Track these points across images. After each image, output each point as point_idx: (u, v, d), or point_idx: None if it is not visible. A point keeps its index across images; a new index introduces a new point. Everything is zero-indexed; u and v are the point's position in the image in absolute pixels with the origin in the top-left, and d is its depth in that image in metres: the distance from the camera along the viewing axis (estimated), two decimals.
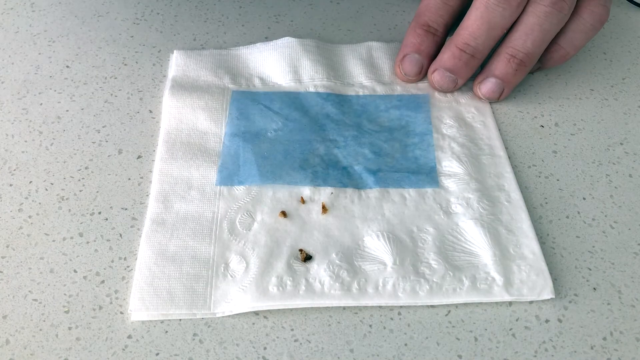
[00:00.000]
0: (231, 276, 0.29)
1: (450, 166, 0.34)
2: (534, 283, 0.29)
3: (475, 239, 0.31)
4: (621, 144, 0.36)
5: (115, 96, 0.39)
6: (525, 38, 0.36)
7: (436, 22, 0.38)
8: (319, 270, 0.29)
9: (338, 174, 0.34)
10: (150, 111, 0.38)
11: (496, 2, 0.35)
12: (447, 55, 0.37)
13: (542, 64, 0.39)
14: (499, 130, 0.37)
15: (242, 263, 0.30)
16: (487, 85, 0.37)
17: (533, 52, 0.36)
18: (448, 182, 0.33)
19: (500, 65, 0.37)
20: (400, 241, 0.31)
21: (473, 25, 0.36)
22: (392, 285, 0.29)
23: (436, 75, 0.38)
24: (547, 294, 0.29)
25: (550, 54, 0.38)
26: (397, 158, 0.35)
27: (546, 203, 0.33)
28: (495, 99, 0.38)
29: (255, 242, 0.31)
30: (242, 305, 0.28)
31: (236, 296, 0.29)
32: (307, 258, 0.30)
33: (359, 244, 0.31)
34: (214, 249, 0.30)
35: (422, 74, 0.39)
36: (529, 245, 0.30)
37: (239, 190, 0.33)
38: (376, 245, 0.30)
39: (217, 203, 0.32)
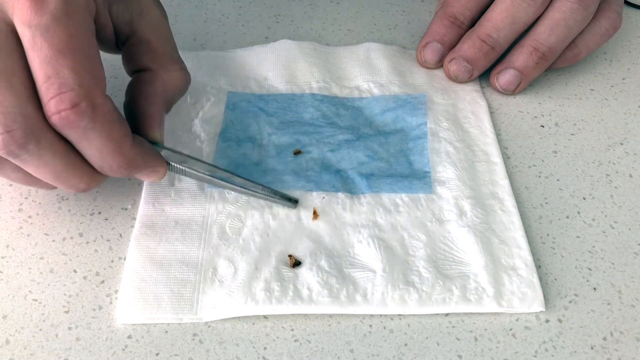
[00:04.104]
0: (219, 281, 0.29)
1: (444, 172, 0.33)
2: (525, 295, 0.28)
3: (467, 248, 0.30)
4: (621, 144, 0.36)
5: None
6: (550, 32, 0.36)
7: (463, 14, 0.38)
8: (307, 276, 0.29)
9: (331, 178, 0.33)
10: None
11: None
12: (467, 45, 0.37)
13: (552, 63, 0.39)
14: (498, 133, 0.37)
15: (230, 268, 0.30)
16: (505, 77, 0.38)
17: (556, 47, 0.36)
18: (442, 189, 0.33)
19: (522, 57, 0.37)
20: (391, 248, 0.30)
21: (497, 18, 0.36)
22: (380, 294, 0.28)
23: (453, 64, 0.38)
24: (538, 306, 0.28)
25: (564, 52, 0.38)
26: (391, 162, 0.34)
27: (546, 203, 0.33)
28: (511, 92, 0.38)
29: (245, 247, 0.30)
30: (229, 311, 0.28)
31: (223, 301, 0.28)
32: (296, 264, 0.30)
33: (349, 250, 0.30)
34: (202, 253, 0.30)
35: (441, 63, 0.39)
36: (521, 255, 0.30)
37: (230, 193, 0.32)
38: (366, 252, 0.30)
39: (208, 207, 0.32)
